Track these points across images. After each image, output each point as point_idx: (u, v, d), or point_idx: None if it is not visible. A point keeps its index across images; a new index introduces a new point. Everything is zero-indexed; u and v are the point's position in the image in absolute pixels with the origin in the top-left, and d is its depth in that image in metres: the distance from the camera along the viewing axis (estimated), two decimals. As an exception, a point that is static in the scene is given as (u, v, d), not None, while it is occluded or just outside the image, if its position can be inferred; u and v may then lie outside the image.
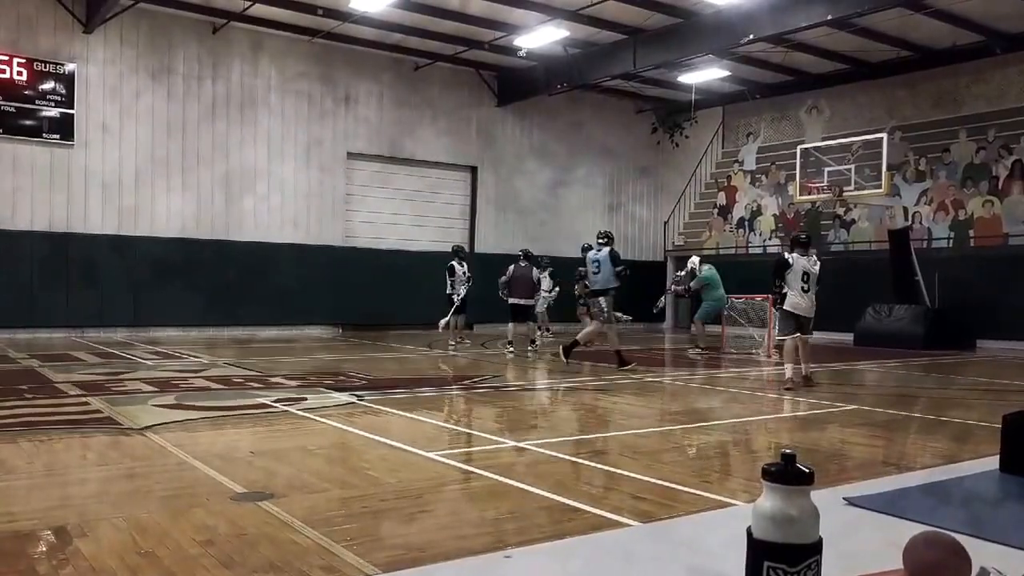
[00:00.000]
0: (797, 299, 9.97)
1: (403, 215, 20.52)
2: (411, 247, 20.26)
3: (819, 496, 1.75)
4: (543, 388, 9.93)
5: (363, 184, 20.15)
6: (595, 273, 11.90)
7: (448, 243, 20.85)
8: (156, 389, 8.69)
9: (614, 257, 11.76)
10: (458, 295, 14.94)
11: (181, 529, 3.81)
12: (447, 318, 14.84)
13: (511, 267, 14.79)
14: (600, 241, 12.12)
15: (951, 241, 19.22)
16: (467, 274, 15.25)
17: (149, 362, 11.57)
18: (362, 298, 19.03)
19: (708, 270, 15.28)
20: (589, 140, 23.53)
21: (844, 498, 3.19)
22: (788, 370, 9.92)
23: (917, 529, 1.96)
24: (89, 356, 12.25)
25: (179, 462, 5.27)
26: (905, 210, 19.70)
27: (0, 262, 15.51)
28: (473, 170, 21.79)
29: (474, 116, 21.60)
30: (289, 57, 18.76)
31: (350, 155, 19.77)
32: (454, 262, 15.22)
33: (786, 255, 10.20)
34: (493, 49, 19.27)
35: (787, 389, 9.62)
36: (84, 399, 7.86)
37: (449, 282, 15.02)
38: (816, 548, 1.75)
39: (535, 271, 15.10)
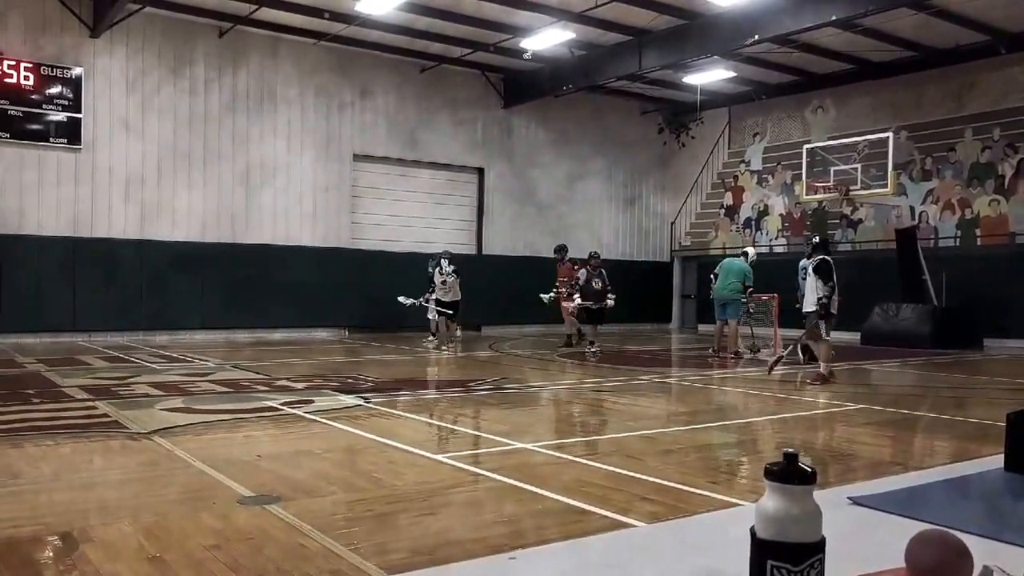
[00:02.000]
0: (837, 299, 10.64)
1: (410, 217, 20.56)
2: (418, 249, 20.26)
3: (824, 495, 1.76)
4: (551, 390, 9.93)
5: (370, 186, 20.19)
6: (803, 280, 12.20)
7: (456, 245, 20.95)
8: (163, 393, 8.72)
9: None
10: (424, 298, 15.61)
11: (188, 533, 3.82)
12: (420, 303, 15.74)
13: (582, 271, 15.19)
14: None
15: (958, 240, 19.17)
16: (446, 280, 15.48)
17: (156, 366, 11.60)
18: (369, 300, 19.04)
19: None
20: (595, 141, 23.54)
21: (849, 497, 3.18)
22: (824, 367, 10.54)
23: (921, 528, 1.96)
24: (96, 360, 12.29)
25: (186, 466, 5.28)
26: (912, 209, 19.64)
27: (7, 266, 15.57)
28: (480, 172, 21.82)
29: (481, 118, 21.62)
30: (295, 61, 18.80)
31: (356, 157, 19.81)
32: (433, 270, 15.69)
33: (826, 258, 10.68)
34: (499, 51, 19.30)
35: (823, 382, 10.30)
36: (91, 403, 7.89)
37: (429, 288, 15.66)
38: (819, 547, 1.75)
39: (434, 271, 15.62)
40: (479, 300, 18.06)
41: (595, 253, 15.47)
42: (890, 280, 17.68)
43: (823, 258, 10.53)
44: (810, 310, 10.53)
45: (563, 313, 16.33)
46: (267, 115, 18.54)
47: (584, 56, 19.38)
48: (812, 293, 10.48)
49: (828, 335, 10.70)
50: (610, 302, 14.75)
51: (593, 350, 14.15)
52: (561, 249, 16.79)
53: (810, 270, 10.67)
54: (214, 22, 17.60)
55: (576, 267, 16.16)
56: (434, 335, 15.82)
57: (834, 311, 10.57)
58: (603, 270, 14.99)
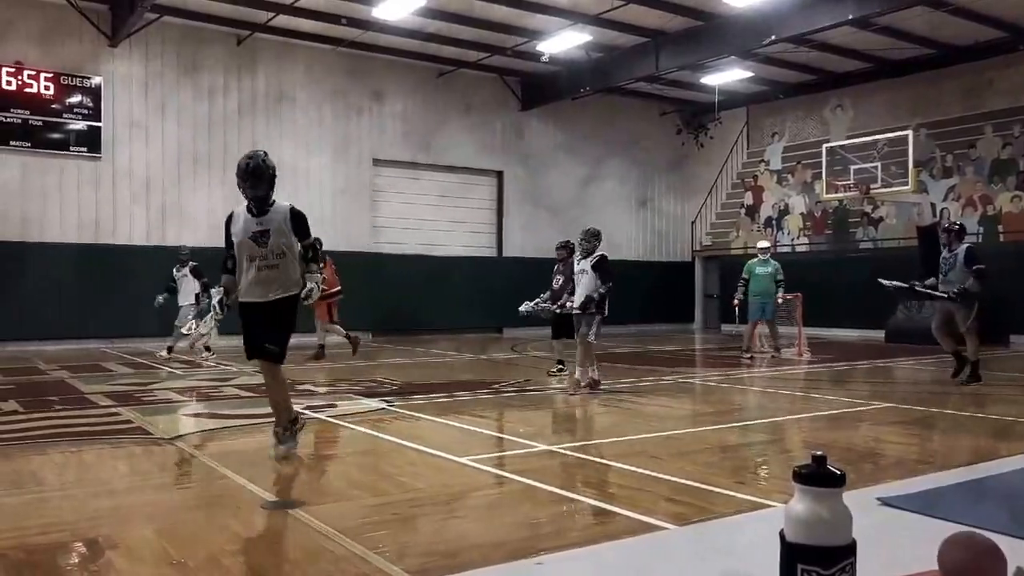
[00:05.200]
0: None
1: (431, 220, 20.60)
2: (439, 252, 20.32)
3: (852, 497, 1.73)
4: (573, 392, 9.89)
5: (391, 190, 20.26)
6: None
7: (476, 247, 21.00)
8: (186, 398, 8.77)
9: (971, 255, 10.15)
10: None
11: (213, 538, 3.84)
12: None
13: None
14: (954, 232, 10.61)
15: (980, 237, 18.97)
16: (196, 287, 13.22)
17: (179, 371, 11.67)
18: (391, 303, 19.08)
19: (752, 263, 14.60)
20: (614, 143, 23.50)
21: (878, 498, 3.15)
22: (593, 371, 9.42)
23: (952, 529, 1.94)
24: (119, 367, 12.38)
25: (210, 471, 5.30)
26: (933, 206, 19.48)
27: (30, 274, 15.71)
28: (499, 174, 21.85)
29: (499, 121, 21.65)
30: (314, 66, 18.90)
31: (376, 162, 19.89)
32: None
33: (605, 254, 9.65)
34: (516, 54, 19.31)
35: (593, 388, 9.34)
36: (114, 409, 7.94)
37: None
38: (850, 550, 1.73)
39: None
40: (500, 302, 18.02)
41: (562, 243, 11.96)
42: (913, 277, 17.46)
43: (604, 254, 9.55)
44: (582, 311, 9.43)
45: (320, 317, 13.83)
46: (285, 120, 18.63)
47: (600, 58, 19.36)
48: (585, 291, 9.40)
49: (596, 338, 9.47)
50: (569, 304, 10.26)
51: (554, 369, 11.11)
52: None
53: (588, 267, 9.39)
54: (231, 30, 17.72)
55: (333, 265, 13.73)
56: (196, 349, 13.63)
57: (605, 313, 9.47)
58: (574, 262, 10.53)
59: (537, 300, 11.37)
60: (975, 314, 10.10)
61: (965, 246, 10.30)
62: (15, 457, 5.70)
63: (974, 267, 9.98)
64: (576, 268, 9.63)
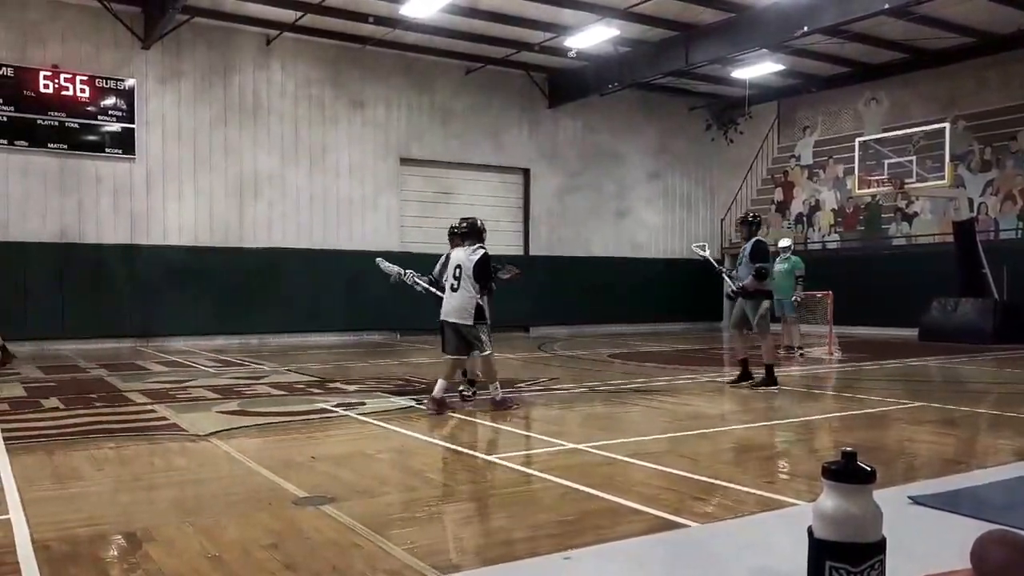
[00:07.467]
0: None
1: (456, 218, 20.57)
2: (466, 251, 20.33)
3: (883, 495, 1.71)
4: (602, 390, 9.89)
5: (417, 189, 20.30)
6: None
7: (503, 246, 20.93)
8: (219, 396, 8.88)
9: (755, 250, 9.53)
10: None
11: (246, 533, 3.88)
12: None
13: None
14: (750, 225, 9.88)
15: (1020, 232, 18.64)
16: None
17: (212, 370, 11.81)
18: (419, 303, 19.10)
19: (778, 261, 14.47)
20: (642, 139, 23.39)
21: (909, 497, 3.11)
22: (495, 389, 8.02)
23: (986, 528, 1.91)
24: (155, 365, 12.55)
25: (243, 467, 5.37)
26: (970, 201, 19.15)
27: (71, 274, 15.96)
28: (525, 172, 21.82)
29: (526, 118, 21.61)
30: (341, 64, 18.99)
31: (403, 161, 19.95)
32: None
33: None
34: (543, 51, 19.27)
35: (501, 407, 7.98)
36: (150, 407, 8.06)
37: None
38: (879, 547, 1.71)
39: None
40: (527, 301, 18.02)
41: (461, 223, 9.36)
42: (948, 274, 17.24)
43: (486, 251, 8.34)
44: (462, 321, 7.99)
45: None
46: (314, 120, 18.75)
47: (629, 53, 19.24)
48: (467, 296, 8.01)
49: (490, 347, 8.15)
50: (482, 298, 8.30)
51: (464, 390, 8.70)
52: None
53: (471, 266, 8.02)
54: (261, 30, 17.86)
55: None
56: None
57: (487, 319, 8.26)
58: (482, 250, 8.53)
59: (420, 279, 9.76)
60: (763, 312, 9.39)
61: (754, 240, 9.60)
62: (57, 452, 5.81)
63: (756, 265, 9.32)
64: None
